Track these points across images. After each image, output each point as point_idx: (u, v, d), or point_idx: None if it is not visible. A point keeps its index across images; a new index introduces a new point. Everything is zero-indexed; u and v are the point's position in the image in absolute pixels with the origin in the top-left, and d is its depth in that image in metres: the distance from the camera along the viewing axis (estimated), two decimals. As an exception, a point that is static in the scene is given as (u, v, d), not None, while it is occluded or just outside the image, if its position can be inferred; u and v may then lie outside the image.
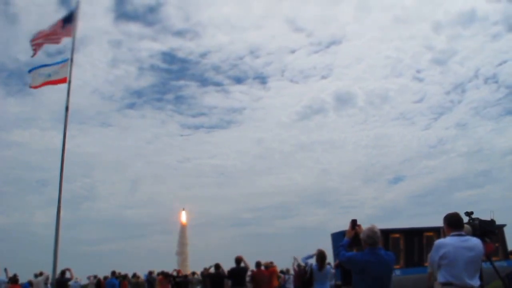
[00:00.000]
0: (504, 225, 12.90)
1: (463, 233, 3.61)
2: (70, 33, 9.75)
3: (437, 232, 10.88)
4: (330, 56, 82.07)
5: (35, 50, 9.77)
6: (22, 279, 11.50)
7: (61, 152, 8.83)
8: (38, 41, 9.79)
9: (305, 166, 74.44)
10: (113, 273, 14.33)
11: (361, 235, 3.69)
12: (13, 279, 10.49)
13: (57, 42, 9.85)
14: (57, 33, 9.73)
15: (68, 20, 9.83)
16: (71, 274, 11.81)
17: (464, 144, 68.35)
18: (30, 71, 9.76)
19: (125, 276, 16.28)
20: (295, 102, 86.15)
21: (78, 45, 10.29)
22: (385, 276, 3.56)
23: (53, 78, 9.36)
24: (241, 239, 65.27)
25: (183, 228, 42.88)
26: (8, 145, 65.65)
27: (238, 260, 9.16)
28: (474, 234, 4.30)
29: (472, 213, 5.14)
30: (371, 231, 3.58)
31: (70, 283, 12.06)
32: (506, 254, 12.97)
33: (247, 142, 79.99)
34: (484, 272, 5.20)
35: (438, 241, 3.65)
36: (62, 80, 9.38)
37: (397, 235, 11.69)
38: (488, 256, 5.05)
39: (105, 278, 15.42)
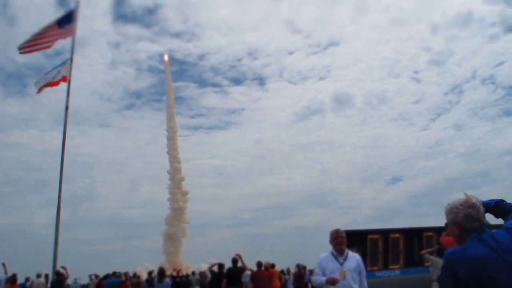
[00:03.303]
0: (502, 225, 12.97)
1: None
2: (70, 33, 9.72)
3: (437, 232, 10.90)
4: (328, 58, 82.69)
5: (23, 52, 9.65)
6: (22, 279, 11.44)
7: (61, 152, 8.82)
8: (28, 49, 9.61)
9: (304, 166, 74.74)
10: (114, 273, 14.30)
11: None
12: (12, 279, 10.40)
13: (48, 47, 9.65)
14: (50, 36, 9.55)
15: (64, 21, 9.75)
16: (66, 272, 11.62)
17: (462, 145, 68.79)
18: (36, 82, 9.71)
19: (125, 276, 16.21)
20: (293, 103, 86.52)
21: (77, 46, 10.20)
22: None
23: (55, 79, 9.35)
24: (240, 239, 65.43)
25: (166, 64, 47.87)
26: (7, 146, 65.73)
27: (235, 260, 9.39)
28: None
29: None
30: None
31: (70, 282, 11.96)
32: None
33: (246, 143, 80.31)
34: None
35: None
36: (63, 79, 9.37)
37: (397, 235, 11.70)
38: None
39: (105, 277, 15.38)
